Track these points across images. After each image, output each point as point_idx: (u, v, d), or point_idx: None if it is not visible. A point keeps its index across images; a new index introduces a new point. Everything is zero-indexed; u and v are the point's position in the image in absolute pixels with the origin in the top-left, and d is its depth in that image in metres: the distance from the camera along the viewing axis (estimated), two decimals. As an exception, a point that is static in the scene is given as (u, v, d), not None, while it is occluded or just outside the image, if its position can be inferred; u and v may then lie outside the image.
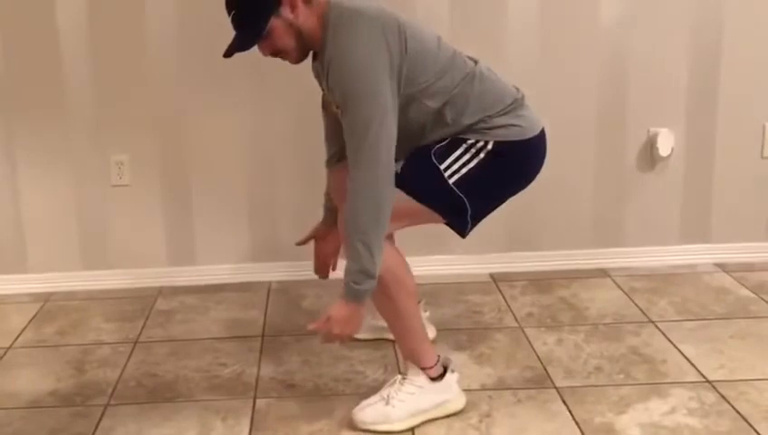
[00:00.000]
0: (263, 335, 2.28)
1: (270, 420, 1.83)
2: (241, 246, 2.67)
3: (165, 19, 2.48)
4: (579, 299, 2.45)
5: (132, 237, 2.65)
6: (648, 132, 2.60)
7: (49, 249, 2.64)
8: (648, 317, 2.30)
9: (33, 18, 2.46)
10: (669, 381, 1.94)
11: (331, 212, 2.10)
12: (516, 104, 1.84)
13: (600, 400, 1.85)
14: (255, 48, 1.77)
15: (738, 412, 1.77)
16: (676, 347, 2.10)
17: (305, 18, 1.76)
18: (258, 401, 1.92)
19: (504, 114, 1.82)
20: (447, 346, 2.14)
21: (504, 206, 2.41)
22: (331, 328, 1.74)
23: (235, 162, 2.58)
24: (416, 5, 2.46)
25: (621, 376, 1.97)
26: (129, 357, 2.17)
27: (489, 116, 1.80)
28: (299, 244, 2.19)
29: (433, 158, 1.79)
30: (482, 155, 1.79)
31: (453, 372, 1.84)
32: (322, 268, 2.18)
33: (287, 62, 1.87)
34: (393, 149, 1.71)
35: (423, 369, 1.81)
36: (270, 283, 2.66)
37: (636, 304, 2.39)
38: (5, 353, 2.21)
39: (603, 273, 2.64)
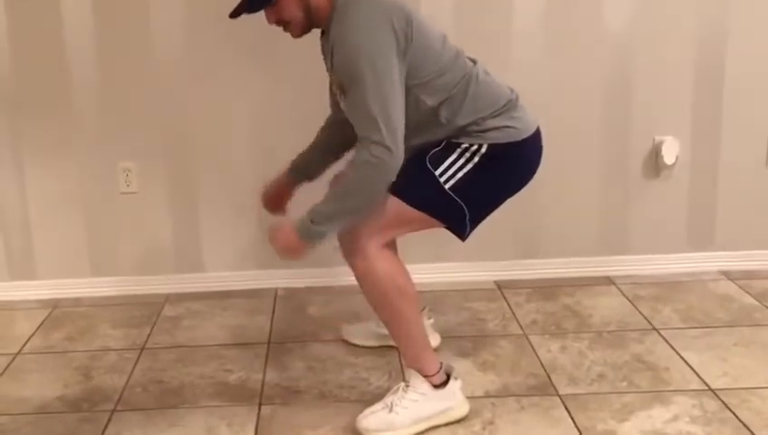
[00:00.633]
0: (268, 342, 2.31)
1: (275, 427, 1.86)
2: (248, 253, 2.69)
3: (171, 26, 2.51)
4: (583, 306, 2.46)
5: (140, 244, 2.67)
6: (654, 140, 2.62)
7: (57, 256, 2.67)
8: (651, 325, 2.31)
9: (39, 27, 2.50)
10: (672, 388, 1.96)
11: (296, 174, 2.09)
12: (510, 105, 1.86)
13: (602, 407, 1.87)
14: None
15: (740, 420, 1.79)
16: (680, 355, 2.12)
17: None
18: (263, 407, 1.95)
19: (497, 116, 1.83)
20: (451, 353, 2.16)
21: (508, 214, 2.42)
22: (271, 240, 1.79)
23: (242, 169, 2.60)
24: (420, 9, 2.44)
25: (624, 383, 1.98)
26: (136, 363, 2.20)
27: (482, 118, 1.82)
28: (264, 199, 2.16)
29: (428, 164, 1.81)
30: (476, 159, 1.81)
31: (456, 379, 1.86)
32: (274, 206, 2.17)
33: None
34: (402, 121, 1.71)
35: (426, 376, 1.83)
36: (276, 289, 2.69)
37: (640, 312, 2.40)
38: (14, 359, 2.25)
39: (608, 280, 2.66)
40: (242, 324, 2.44)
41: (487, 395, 1.95)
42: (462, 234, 1.85)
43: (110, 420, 1.91)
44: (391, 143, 1.68)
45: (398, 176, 1.78)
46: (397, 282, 1.79)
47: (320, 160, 2.08)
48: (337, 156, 2.07)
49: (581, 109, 2.58)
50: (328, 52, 1.82)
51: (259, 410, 1.93)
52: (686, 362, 2.08)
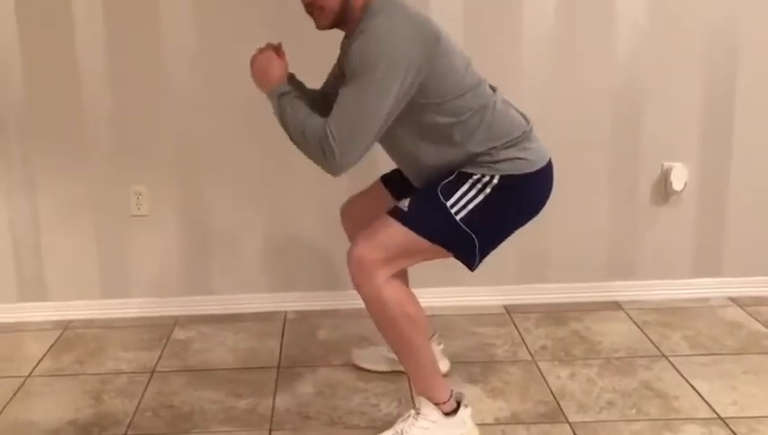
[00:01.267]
0: (278, 366, 2.32)
1: None
2: (257, 276, 2.71)
3: (184, 51, 2.54)
4: (592, 332, 2.48)
5: (150, 267, 2.69)
6: (662, 167, 2.64)
7: (68, 278, 2.69)
8: (660, 351, 2.33)
9: (52, 51, 2.53)
10: (682, 417, 1.97)
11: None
12: (524, 137, 1.88)
13: None
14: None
15: (749, 450, 1.82)
16: (689, 382, 2.14)
17: None
18: (273, 433, 1.96)
19: (510, 147, 1.85)
20: (461, 379, 2.18)
21: (517, 238, 2.44)
22: (252, 61, 1.88)
23: (252, 193, 2.63)
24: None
25: (633, 411, 2.00)
26: (147, 387, 2.22)
27: (495, 147, 1.83)
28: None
29: (439, 195, 1.82)
30: (488, 190, 1.82)
31: (466, 406, 1.88)
32: None
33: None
34: (369, 146, 1.76)
35: (436, 404, 1.85)
36: (286, 313, 2.70)
37: (649, 338, 2.42)
38: (24, 382, 2.26)
39: (616, 305, 2.67)
40: (252, 348, 2.45)
41: (497, 422, 1.96)
42: (471, 264, 1.87)
43: (121, 444, 1.94)
44: (342, 152, 1.72)
45: (410, 205, 1.82)
46: (406, 310, 1.81)
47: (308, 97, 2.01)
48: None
49: (591, 134, 2.61)
50: (347, 47, 1.82)
51: None
52: (695, 389, 2.09)
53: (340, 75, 1.91)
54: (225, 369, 2.32)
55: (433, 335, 2.18)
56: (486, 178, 1.82)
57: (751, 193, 2.66)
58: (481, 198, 1.82)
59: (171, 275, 2.69)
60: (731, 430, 1.89)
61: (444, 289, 2.61)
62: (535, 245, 2.65)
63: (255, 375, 2.27)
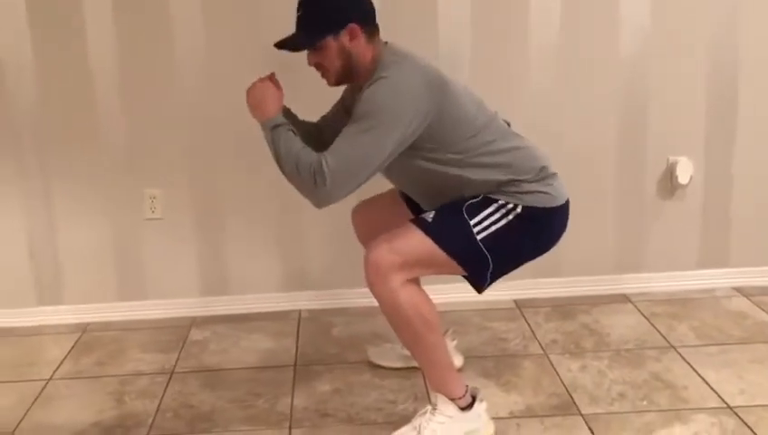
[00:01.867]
0: (295, 365, 2.36)
1: None
2: (271, 276, 2.74)
3: (196, 56, 2.56)
4: (601, 325, 2.52)
5: (166, 269, 2.72)
6: (668, 161, 2.67)
7: (85, 281, 2.72)
8: (668, 342, 2.38)
9: (66, 60, 2.55)
10: (691, 407, 2.02)
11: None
12: (545, 172, 1.93)
13: (624, 426, 1.94)
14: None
15: (758, 438, 1.88)
16: (697, 373, 2.18)
17: (361, 51, 1.88)
18: (293, 430, 2.00)
19: (534, 181, 1.91)
20: (475, 374, 2.22)
21: None
22: (249, 92, 1.93)
23: (265, 194, 2.65)
24: (438, 38, 2.54)
25: (644, 402, 2.05)
26: (166, 388, 2.26)
27: (519, 181, 1.88)
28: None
29: (464, 213, 1.87)
30: (510, 217, 1.88)
31: (481, 401, 1.92)
32: None
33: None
34: (359, 185, 1.81)
35: (452, 399, 1.89)
36: (300, 311, 2.74)
37: (657, 330, 2.46)
38: (46, 385, 2.30)
39: (624, 298, 2.71)
40: (268, 347, 2.49)
41: (512, 416, 2.01)
42: (481, 285, 1.92)
43: (145, 444, 1.98)
44: (333, 185, 1.76)
45: (434, 217, 1.86)
46: (420, 311, 1.85)
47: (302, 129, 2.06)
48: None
49: (598, 131, 2.64)
50: (357, 95, 1.86)
51: (290, 433, 1.98)
52: (703, 379, 2.14)
53: (344, 113, 1.95)
54: (242, 368, 2.36)
55: (446, 332, 2.22)
56: (511, 206, 1.88)
57: (754, 185, 2.69)
58: (503, 222, 1.87)
59: (186, 277, 2.72)
60: (740, 419, 1.94)
61: (455, 285, 2.57)
62: None
63: (273, 374, 2.31)
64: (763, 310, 2.57)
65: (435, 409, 1.90)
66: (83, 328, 2.68)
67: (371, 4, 1.92)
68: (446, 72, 1.90)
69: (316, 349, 2.46)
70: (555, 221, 1.95)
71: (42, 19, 2.52)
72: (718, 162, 2.67)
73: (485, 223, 1.86)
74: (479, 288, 1.92)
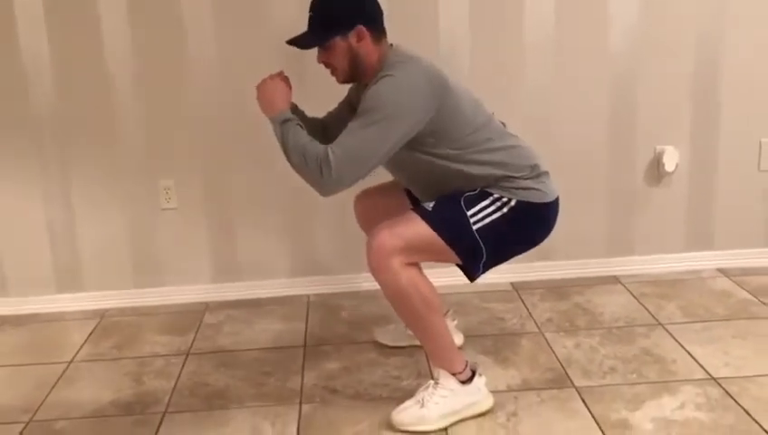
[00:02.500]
0: (304, 345, 2.41)
1: (315, 424, 1.97)
2: (281, 262, 2.78)
3: (208, 52, 2.58)
4: (593, 305, 2.57)
5: (180, 257, 2.76)
6: (655, 150, 2.71)
7: (104, 269, 2.76)
8: (657, 320, 2.43)
9: (82, 56, 2.58)
10: (678, 379, 2.07)
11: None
12: (538, 170, 1.99)
13: (615, 398, 1.99)
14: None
15: (741, 406, 1.91)
16: (684, 348, 2.24)
17: (368, 52, 1.94)
18: (304, 406, 2.05)
19: (528, 178, 1.97)
20: (474, 351, 2.28)
21: None
22: (258, 88, 1.97)
23: (274, 185, 2.68)
24: (439, 35, 2.58)
25: (634, 375, 2.10)
26: (182, 368, 2.30)
27: (513, 177, 1.94)
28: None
29: (462, 204, 1.93)
30: (505, 210, 1.94)
31: (480, 375, 1.98)
32: None
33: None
34: (363, 176, 1.86)
35: (453, 374, 1.95)
36: (308, 296, 2.78)
37: (646, 308, 2.51)
38: (68, 367, 2.35)
39: (615, 280, 2.76)
40: (279, 329, 2.54)
41: (509, 389, 2.06)
42: (474, 274, 1.98)
43: (161, 422, 2.02)
44: (338, 175, 1.81)
45: (434, 207, 1.92)
46: (420, 291, 1.90)
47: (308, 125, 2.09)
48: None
49: (589, 123, 2.68)
50: (362, 92, 1.93)
51: (300, 409, 2.03)
52: (690, 354, 2.20)
53: (349, 111, 2.01)
54: (254, 349, 2.40)
55: (447, 312, 2.28)
56: (505, 199, 1.94)
57: (737, 173, 2.74)
58: (498, 215, 1.93)
59: (200, 264, 2.76)
60: (723, 389, 2.00)
61: (455, 268, 2.63)
62: None
63: (284, 354, 2.35)
64: (745, 289, 2.62)
65: (437, 383, 1.95)
66: (102, 314, 2.72)
67: (380, 8, 1.98)
68: (447, 72, 1.95)
69: (325, 330, 2.51)
70: (547, 216, 2.01)
71: (59, 20, 2.55)
72: (702, 151, 2.71)
73: (481, 214, 1.92)
74: (472, 277, 1.98)
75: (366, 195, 2.28)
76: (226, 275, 2.77)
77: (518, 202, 1.93)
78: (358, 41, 1.92)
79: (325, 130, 2.04)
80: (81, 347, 2.47)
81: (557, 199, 2.01)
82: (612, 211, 2.75)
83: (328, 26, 1.91)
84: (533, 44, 2.61)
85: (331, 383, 2.16)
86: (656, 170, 2.72)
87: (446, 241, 1.90)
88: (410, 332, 2.18)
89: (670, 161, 2.67)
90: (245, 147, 2.66)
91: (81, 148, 2.65)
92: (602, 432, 1.84)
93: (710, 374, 2.07)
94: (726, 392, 1.97)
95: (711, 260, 2.78)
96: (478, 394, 1.95)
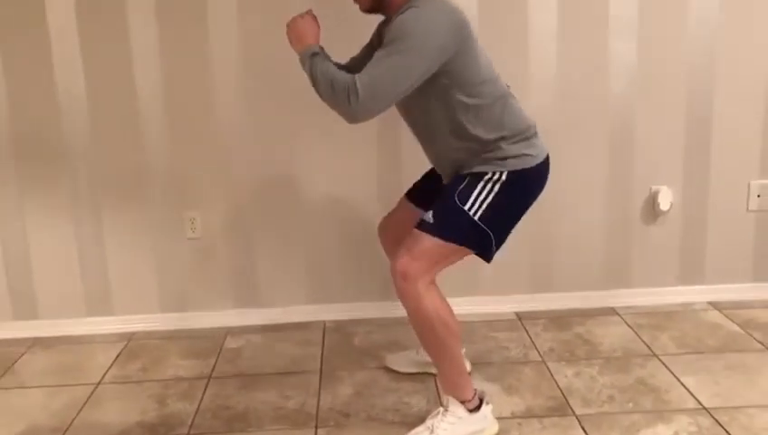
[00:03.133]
0: (320, 370, 2.46)
1: None
2: (299, 290, 2.82)
3: (233, 89, 2.64)
4: (593, 335, 2.62)
5: (203, 283, 2.81)
6: (651, 190, 2.77)
7: (131, 295, 2.81)
8: (652, 351, 2.48)
9: (115, 96, 2.64)
10: (672, 408, 2.12)
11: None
12: (530, 132, 2.00)
13: (613, 426, 2.04)
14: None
15: (730, 435, 1.99)
16: (677, 378, 2.29)
17: None
18: (319, 429, 2.09)
19: (517, 142, 1.96)
20: (481, 378, 2.32)
21: (526, 253, 2.61)
22: (289, 25, 1.97)
23: (292, 216, 2.74)
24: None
25: (631, 404, 2.15)
26: (205, 391, 2.34)
27: (504, 138, 1.95)
28: None
29: (457, 201, 1.95)
30: (497, 187, 1.94)
31: (488, 403, 2.03)
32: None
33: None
34: (387, 106, 1.85)
35: (462, 402, 1.99)
36: (325, 322, 2.82)
37: (641, 339, 2.56)
38: (96, 389, 2.39)
39: (613, 311, 2.81)
40: (296, 354, 2.58)
41: (513, 416, 2.11)
42: (489, 258, 1.99)
43: (185, 443, 2.06)
44: (364, 102, 1.80)
45: (434, 217, 1.93)
46: (443, 318, 1.95)
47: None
48: None
49: (589, 162, 2.74)
50: (385, 28, 1.94)
51: (315, 432, 2.07)
52: (683, 384, 2.25)
53: (368, 55, 2.00)
54: (273, 374, 2.44)
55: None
56: (496, 176, 1.94)
57: (726, 212, 2.79)
58: (492, 194, 1.93)
59: (222, 290, 2.80)
60: (714, 419, 2.04)
61: (464, 298, 2.69)
62: (541, 259, 2.79)
63: (301, 378, 2.40)
64: (734, 322, 2.67)
65: (446, 410, 2.00)
66: (129, 337, 2.76)
67: None
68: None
69: (339, 356, 2.55)
70: (538, 176, 2.02)
71: (93, 56, 2.61)
72: (695, 191, 2.77)
73: (478, 201, 1.93)
74: (488, 259, 1.99)
75: (386, 222, 2.33)
76: (247, 301, 2.81)
77: (509, 174, 1.94)
78: None
79: (349, 71, 2.00)
80: (109, 369, 2.51)
81: (547, 157, 2.03)
82: (611, 246, 2.80)
83: None
84: (539, 85, 2.65)
85: (345, 408, 2.19)
86: (651, 209, 2.77)
87: (457, 243, 1.93)
88: (420, 358, 2.27)
89: (665, 201, 2.73)
90: (265, 182, 2.71)
91: (111, 179, 2.71)
92: (602, 460, 1.89)
93: (702, 404, 2.11)
94: (717, 422, 2.02)
95: (703, 294, 2.82)
96: (484, 422, 2.00)
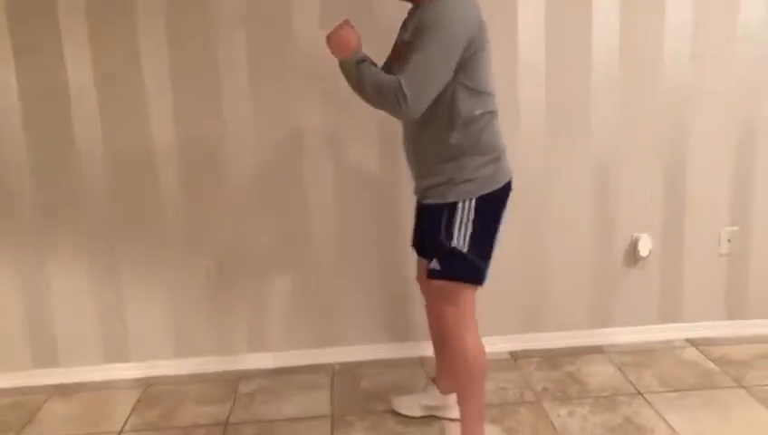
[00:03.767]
0: (332, 414, 2.48)
1: None
2: (308, 334, 2.84)
3: (244, 148, 2.65)
4: (582, 374, 2.69)
5: (217, 328, 2.81)
6: (632, 237, 2.86)
7: (148, 341, 2.80)
8: (637, 389, 2.56)
9: (133, 151, 2.64)
10: (658, 447, 2.21)
11: None
12: (500, 154, 2.02)
13: None
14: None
15: (712, 473, 2.07)
16: (661, 416, 2.37)
17: None
18: None
19: (488, 163, 1.98)
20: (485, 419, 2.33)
21: (518, 295, 2.69)
22: (331, 35, 1.96)
23: (302, 264, 2.77)
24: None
25: (620, 443, 2.25)
26: (223, 437, 2.37)
27: (476, 153, 1.96)
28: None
29: (444, 241, 1.99)
30: (472, 213, 1.99)
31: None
32: None
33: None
34: (433, 97, 1.86)
35: None
36: (333, 365, 2.84)
37: (627, 378, 2.64)
38: None
39: (599, 349, 2.89)
40: (308, 399, 2.59)
41: (516, 458, 2.19)
42: (481, 284, 2.04)
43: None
44: (413, 101, 1.82)
45: (438, 263, 1.98)
46: (481, 363, 2.04)
47: None
48: None
49: (577, 212, 2.80)
50: (411, 19, 1.97)
51: None
52: (666, 422, 2.34)
53: (394, 59, 2.04)
54: (288, 420, 2.46)
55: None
56: (468, 204, 1.98)
57: (700, 257, 2.89)
58: (470, 222, 1.98)
59: (235, 335, 2.81)
60: None
61: None
62: (532, 301, 2.86)
63: (314, 423, 2.42)
64: (710, 359, 2.77)
65: None
66: (146, 383, 2.75)
67: None
68: None
69: (349, 400, 2.57)
70: (502, 197, 2.05)
71: (112, 113, 2.61)
72: (672, 238, 2.87)
73: (461, 234, 1.97)
74: (482, 283, 2.02)
75: (418, 271, 2.31)
76: (259, 345, 2.81)
77: (477, 199, 1.97)
78: None
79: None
80: (129, 417, 2.50)
81: (509, 182, 2.04)
82: (596, 288, 2.88)
83: None
84: (526, 151, 2.69)
85: (357, 453, 2.23)
86: (633, 254, 2.86)
87: (466, 281, 1.98)
88: (429, 403, 2.33)
89: (644, 247, 2.82)
90: (277, 234, 2.73)
91: (129, 229, 2.71)
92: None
93: (685, 442, 2.22)
94: (699, 459, 2.12)
95: (680, 331, 2.92)
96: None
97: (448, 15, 1.86)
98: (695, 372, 2.67)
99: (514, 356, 2.84)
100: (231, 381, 2.74)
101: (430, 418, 2.36)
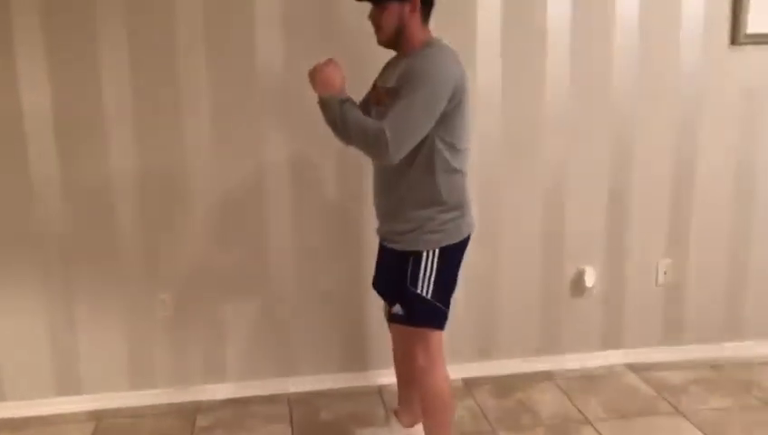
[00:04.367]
0: None
1: None
2: (265, 364, 2.74)
3: (205, 175, 2.56)
4: (533, 401, 2.69)
5: (173, 359, 2.69)
6: (578, 269, 2.91)
7: (101, 373, 2.65)
8: (585, 416, 2.58)
9: (90, 182, 2.50)
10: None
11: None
12: (467, 208, 2.05)
13: None
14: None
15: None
16: None
17: (414, 26, 1.96)
18: None
19: (456, 218, 1.99)
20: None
21: (470, 324, 2.67)
22: (315, 71, 1.93)
23: (257, 294, 2.68)
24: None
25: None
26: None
27: (444, 210, 1.96)
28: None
29: (410, 288, 1.99)
30: (436, 262, 2.00)
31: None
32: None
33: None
34: (414, 145, 1.85)
35: None
36: (288, 395, 2.74)
37: (575, 405, 2.66)
38: None
39: (548, 375, 2.90)
40: (269, 432, 2.47)
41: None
42: (442, 328, 2.04)
43: None
44: (395, 148, 1.81)
45: (402, 309, 1.98)
46: (450, 402, 2.04)
47: None
48: None
49: (526, 247, 2.82)
50: (396, 65, 1.95)
51: None
52: None
53: (373, 98, 2.04)
54: None
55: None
56: (431, 253, 1.98)
57: (639, 287, 2.96)
58: (435, 271, 1.99)
59: (191, 366, 2.70)
60: None
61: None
62: (484, 329, 2.86)
63: None
64: (649, 385, 2.81)
65: None
66: (98, 416, 2.59)
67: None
68: None
69: (310, 432, 2.48)
70: (462, 247, 2.06)
71: (68, 144, 2.47)
72: (614, 270, 2.93)
73: (426, 281, 1.98)
74: (443, 327, 2.03)
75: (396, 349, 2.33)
76: (215, 376, 2.70)
77: (441, 249, 1.98)
78: (411, 11, 1.93)
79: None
80: None
81: (469, 235, 2.05)
82: (545, 317, 2.91)
83: None
84: (479, 167, 2.68)
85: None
86: (578, 285, 2.91)
87: (430, 326, 1.99)
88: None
89: (589, 278, 2.88)
90: (232, 265, 2.64)
91: (83, 263, 2.56)
92: None
93: (629, 469, 2.24)
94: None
95: (621, 357, 2.98)
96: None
97: (437, 66, 1.86)
98: (636, 398, 2.71)
99: (467, 384, 2.81)
100: (188, 413, 2.62)
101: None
